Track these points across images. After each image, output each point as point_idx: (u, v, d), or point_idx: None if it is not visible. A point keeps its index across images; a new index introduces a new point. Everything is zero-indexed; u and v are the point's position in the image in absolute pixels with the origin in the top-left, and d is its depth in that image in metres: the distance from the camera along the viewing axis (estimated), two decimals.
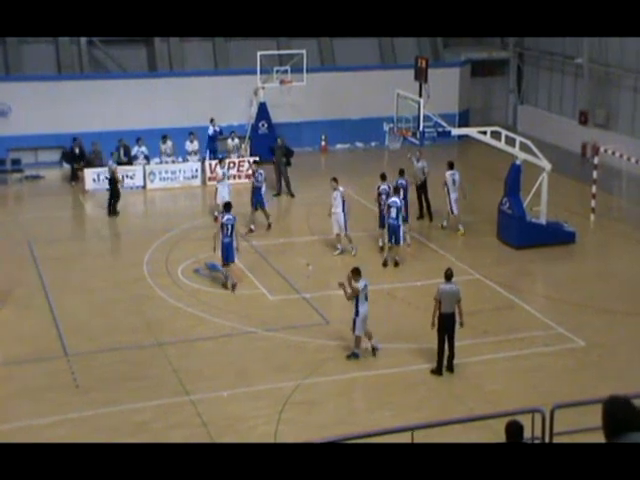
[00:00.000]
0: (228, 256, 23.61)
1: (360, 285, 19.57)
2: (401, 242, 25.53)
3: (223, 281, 23.91)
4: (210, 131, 35.29)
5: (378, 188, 26.85)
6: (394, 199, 25.52)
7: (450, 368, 19.44)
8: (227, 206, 24.24)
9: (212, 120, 35.35)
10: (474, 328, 21.16)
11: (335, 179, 26.61)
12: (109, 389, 18.71)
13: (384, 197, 26.29)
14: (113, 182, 30.67)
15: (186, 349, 20.68)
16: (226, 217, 23.82)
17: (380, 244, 26.64)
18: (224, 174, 29.91)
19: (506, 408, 15.43)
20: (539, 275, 26.12)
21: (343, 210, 26.12)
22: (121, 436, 16.56)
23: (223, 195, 28.67)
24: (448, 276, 19.45)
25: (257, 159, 32.27)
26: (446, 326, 19.19)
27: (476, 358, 20.13)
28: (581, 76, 38.85)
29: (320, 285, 24.29)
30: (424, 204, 29.66)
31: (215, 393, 18.52)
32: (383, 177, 27.13)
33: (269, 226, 28.47)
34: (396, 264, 25.49)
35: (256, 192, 28.40)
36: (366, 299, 19.69)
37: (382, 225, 26.29)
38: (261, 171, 28.78)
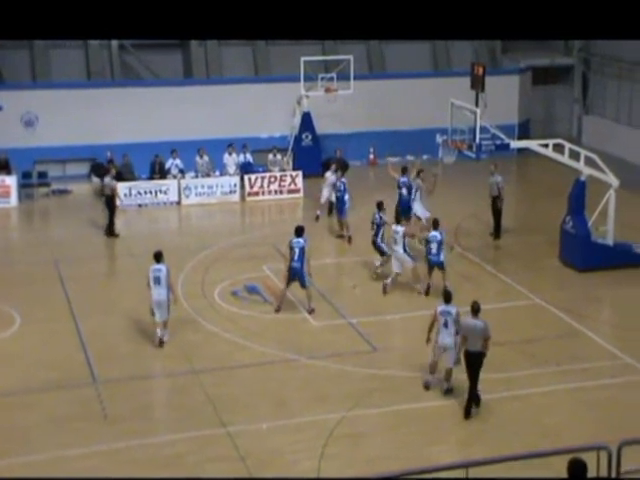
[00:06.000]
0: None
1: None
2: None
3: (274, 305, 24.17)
4: (241, 158, 35.59)
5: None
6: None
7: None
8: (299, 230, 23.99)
9: (244, 146, 35.75)
10: (534, 356, 21.10)
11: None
12: (140, 419, 18.87)
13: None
14: None
15: (223, 377, 20.81)
16: (295, 240, 23.72)
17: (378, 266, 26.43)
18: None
19: (568, 444, 15.34)
20: (605, 300, 25.95)
21: None
22: (153, 470, 16.70)
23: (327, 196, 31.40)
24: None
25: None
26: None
27: (535, 389, 20.03)
28: None
29: (367, 310, 24.36)
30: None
31: (253, 425, 18.60)
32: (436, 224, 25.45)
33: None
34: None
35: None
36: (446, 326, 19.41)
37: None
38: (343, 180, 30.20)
